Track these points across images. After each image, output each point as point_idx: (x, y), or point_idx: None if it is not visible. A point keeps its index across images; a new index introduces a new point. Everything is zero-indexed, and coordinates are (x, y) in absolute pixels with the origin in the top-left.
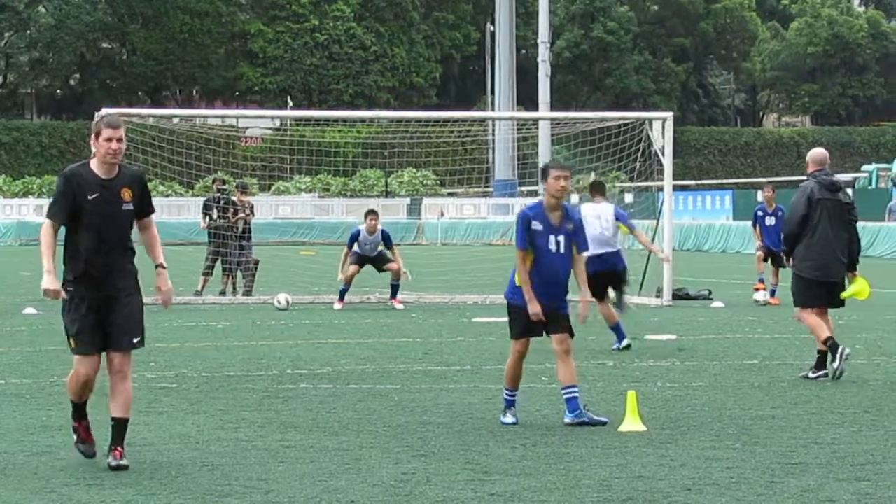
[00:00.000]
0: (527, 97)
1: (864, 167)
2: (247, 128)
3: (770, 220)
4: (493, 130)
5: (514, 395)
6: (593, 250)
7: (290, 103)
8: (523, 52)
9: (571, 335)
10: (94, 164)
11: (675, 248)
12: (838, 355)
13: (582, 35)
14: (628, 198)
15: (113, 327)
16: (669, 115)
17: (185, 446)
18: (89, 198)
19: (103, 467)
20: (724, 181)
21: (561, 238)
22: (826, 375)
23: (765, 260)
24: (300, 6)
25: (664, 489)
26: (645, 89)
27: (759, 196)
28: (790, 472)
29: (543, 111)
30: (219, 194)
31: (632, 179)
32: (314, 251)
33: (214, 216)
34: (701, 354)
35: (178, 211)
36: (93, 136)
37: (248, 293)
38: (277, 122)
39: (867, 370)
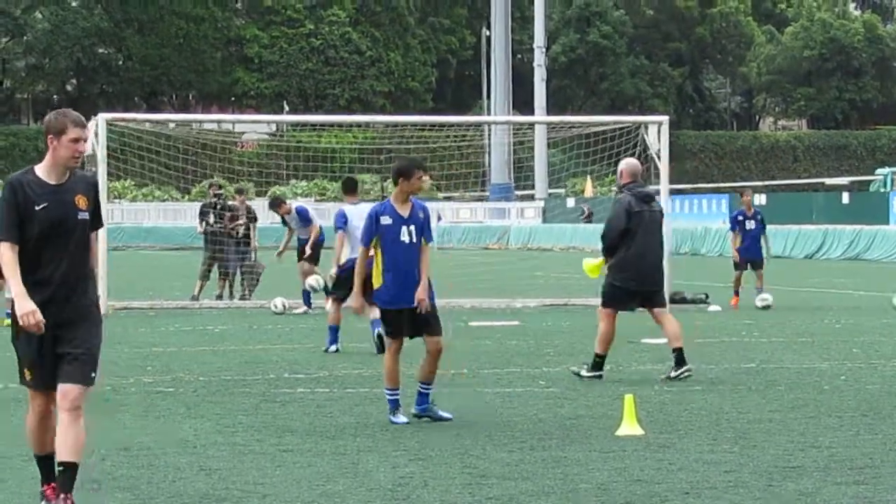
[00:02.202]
0: (522, 101)
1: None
2: (243, 133)
3: (750, 224)
4: (490, 135)
5: (396, 395)
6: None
7: (286, 108)
8: (519, 56)
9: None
10: (41, 170)
11: (672, 251)
12: (595, 373)
13: (577, 39)
14: None
15: (69, 357)
16: (665, 118)
17: (182, 450)
18: (37, 208)
19: (101, 471)
20: (721, 185)
21: (413, 228)
22: (685, 375)
23: (744, 268)
24: (295, 11)
25: (662, 493)
26: (641, 93)
27: (741, 202)
28: (788, 476)
29: (539, 115)
30: (215, 199)
31: None
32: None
33: (211, 221)
34: (698, 358)
35: (174, 216)
36: (51, 135)
37: (245, 297)
38: (273, 127)
39: (865, 374)
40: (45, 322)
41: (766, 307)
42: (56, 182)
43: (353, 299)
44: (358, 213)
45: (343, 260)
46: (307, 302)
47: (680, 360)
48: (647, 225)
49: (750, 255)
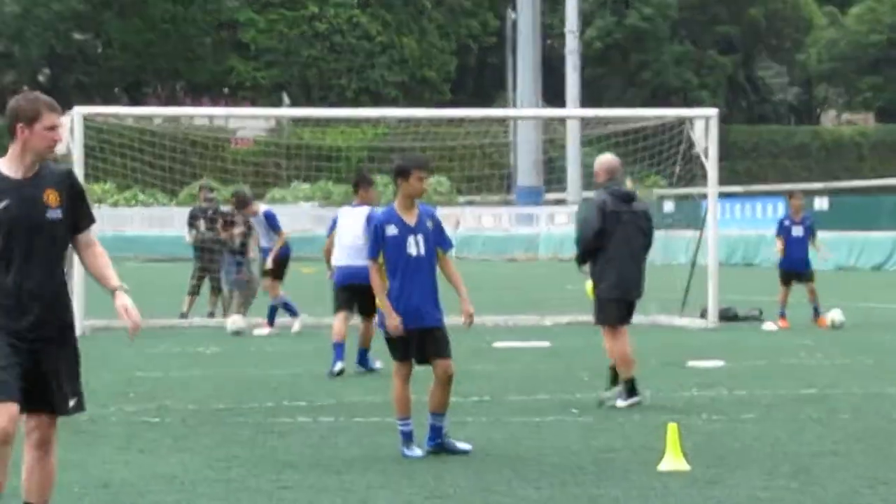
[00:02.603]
0: (553, 93)
1: None
2: (238, 128)
3: (797, 231)
4: (515, 131)
5: (408, 425)
6: (348, 261)
7: (287, 101)
8: (549, 42)
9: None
10: (4, 163)
11: (722, 262)
12: (623, 395)
13: (615, 23)
14: (668, 206)
15: (42, 382)
16: (714, 112)
17: (168, 487)
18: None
19: None
20: (777, 187)
21: (420, 238)
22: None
23: (788, 283)
24: None
25: None
26: (686, 83)
27: (789, 205)
28: None
29: (571, 109)
30: (206, 203)
31: (672, 185)
32: (314, 268)
33: (202, 228)
34: (751, 383)
35: (160, 223)
36: (21, 122)
37: (239, 311)
38: (272, 123)
39: None
40: (16, 333)
41: (838, 325)
42: (22, 176)
43: (388, 318)
44: (352, 214)
45: (332, 265)
46: (271, 320)
47: (631, 389)
48: (627, 227)
49: (794, 267)
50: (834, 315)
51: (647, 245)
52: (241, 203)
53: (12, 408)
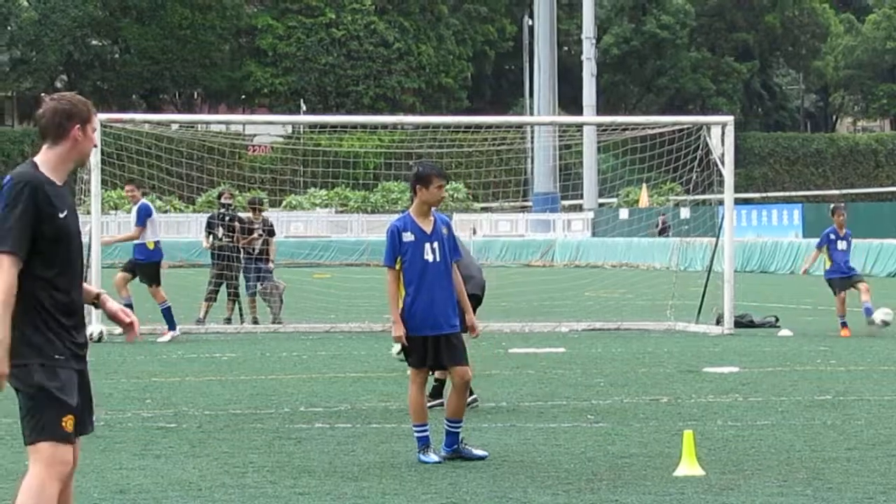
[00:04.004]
0: (570, 100)
1: None
2: (254, 135)
3: (842, 245)
4: (532, 137)
5: (425, 431)
6: None
7: (304, 107)
8: (566, 48)
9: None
10: (47, 167)
11: (738, 269)
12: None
13: (632, 29)
14: (684, 212)
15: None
16: (730, 119)
17: (185, 493)
18: (61, 216)
19: None
20: (793, 193)
21: (436, 245)
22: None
23: (844, 288)
24: None
25: None
26: (703, 90)
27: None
28: None
29: (588, 115)
30: (223, 210)
31: (688, 192)
32: (329, 273)
33: (219, 235)
34: (767, 389)
35: (177, 229)
36: (77, 123)
37: (276, 321)
38: (289, 129)
39: None
40: (77, 358)
41: (887, 323)
42: (61, 182)
43: (395, 329)
44: None
45: None
46: (171, 324)
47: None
48: None
49: (845, 273)
50: (882, 314)
51: None
52: (258, 206)
53: (78, 444)
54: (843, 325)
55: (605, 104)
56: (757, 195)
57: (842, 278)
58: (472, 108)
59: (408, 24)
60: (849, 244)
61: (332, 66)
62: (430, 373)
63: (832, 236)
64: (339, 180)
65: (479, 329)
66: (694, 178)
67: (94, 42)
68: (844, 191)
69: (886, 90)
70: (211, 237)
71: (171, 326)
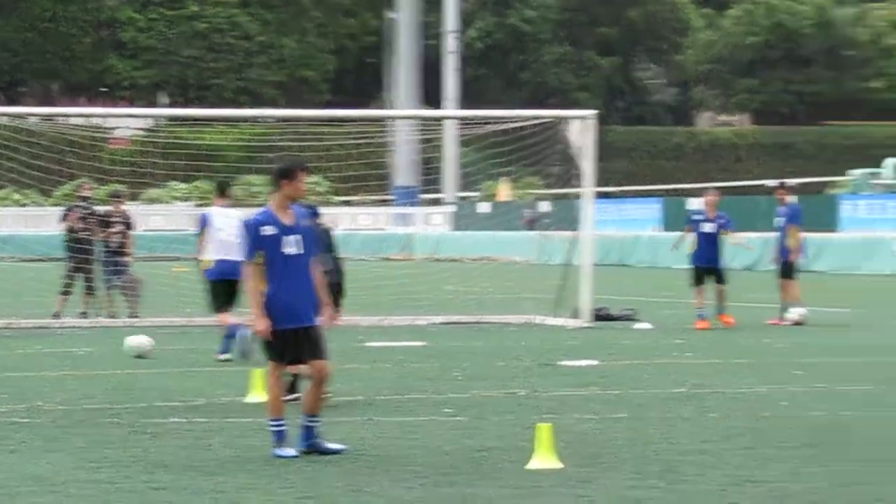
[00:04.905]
0: (433, 93)
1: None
2: (115, 128)
3: (709, 227)
4: (394, 131)
5: (282, 425)
6: (223, 254)
7: (165, 100)
8: (429, 42)
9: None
10: None
11: (597, 262)
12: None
13: (496, 23)
14: (544, 206)
15: None
16: (591, 113)
17: (39, 488)
18: None
19: None
20: (653, 187)
21: (298, 238)
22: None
23: (699, 283)
24: None
25: None
26: (565, 84)
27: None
28: None
29: (449, 109)
30: (82, 201)
31: (549, 186)
32: (187, 267)
33: (74, 220)
34: (624, 382)
35: (35, 222)
36: None
37: (133, 315)
38: (150, 122)
39: (808, 399)
40: None
41: (799, 323)
42: None
43: (257, 323)
44: (224, 215)
45: (206, 258)
46: None
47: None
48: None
49: (703, 263)
50: (796, 315)
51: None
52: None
53: None
54: (701, 317)
55: (468, 98)
56: (617, 189)
57: (699, 268)
58: (335, 101)
59: (270, 17)
60: (719, 228)
61: (195, 58)
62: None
63: (696, 216)
64: (200, 173)
65: (337, 321)
66: (555, 172)
67: None
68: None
69: (746, 85)
70: (66, 219)
71: None
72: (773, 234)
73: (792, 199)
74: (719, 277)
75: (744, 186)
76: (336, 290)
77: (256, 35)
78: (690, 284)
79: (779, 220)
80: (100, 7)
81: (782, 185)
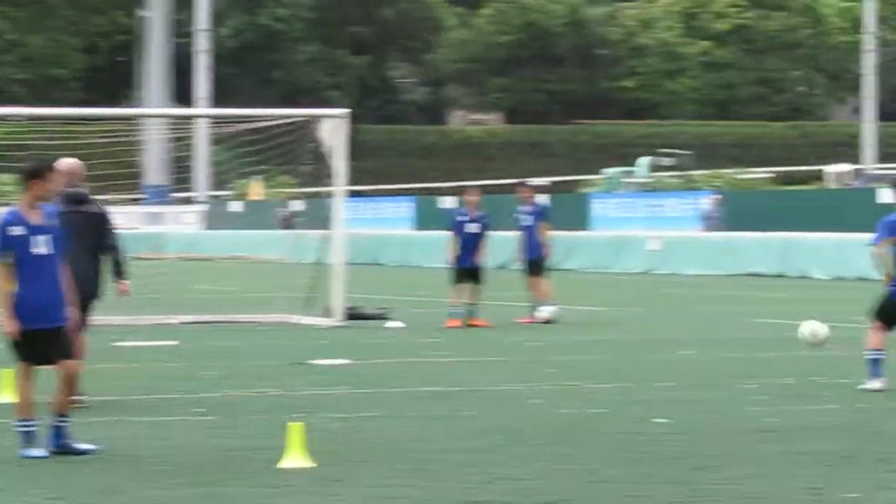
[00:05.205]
0: (185, 92)
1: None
2: None
3: (473, 227)
4: (145, 130)
5: (31, 426)
6: None
7: None
8: (183, 40)
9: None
10: None
11: (350, 261)
12: None
13: (248, 22)
14: (297, 205)
15: None
16: (343, 112)
17: None
18: None
19: None
20: (406, 186)
21: (47, 238)
22: None
23: (459, 281)
24: None
25: None
26: (317, 83)
27: (448, 203)
28: None
29: (200, 108)
30: None
31: (301, 185)
32: None
33: None
34: (376, 381)
35: None
36: None
37: None
38: None
39: (560, 397)
40: None
41: (550, 322)
42: None
43: (7, 324)
44: None
45: None
46: None
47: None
48: (76, 228)
49: (466, 264)
50: (546, 313)
51: (101, 246)
52: None
53: None
54: (453, 315)
55: (220, 97)
56: (370, 188)
57: (462, 269)
58: (87, 100)
59: (19, 15)
60: (483, 228)
61: None
62: None
63: (459, 218)
64: None
65: (78, 321)
66: (307, 170)
67: None
68: (456, 183)
69: (499, 84)
70: None
71: None
72: (518, 234)
73: (539, 197)
74: (478, 277)
75: (498, 185)
76: (120, 267)
77: (4, 34)
78: (451, 282)
79: (523, 219)
80: None
81: (523, 184)
